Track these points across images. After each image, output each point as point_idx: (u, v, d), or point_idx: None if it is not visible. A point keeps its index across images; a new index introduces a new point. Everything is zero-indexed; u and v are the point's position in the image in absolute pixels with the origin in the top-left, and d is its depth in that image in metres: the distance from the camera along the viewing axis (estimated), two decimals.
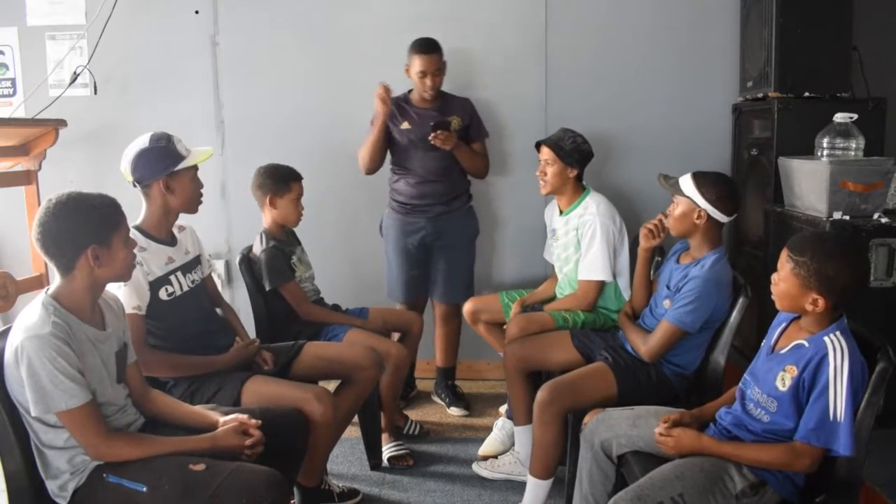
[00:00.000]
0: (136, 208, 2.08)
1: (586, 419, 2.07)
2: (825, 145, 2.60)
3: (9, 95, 3.52)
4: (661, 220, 2.34)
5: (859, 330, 1.64)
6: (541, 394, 2.20)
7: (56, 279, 1.67)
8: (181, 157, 2.11)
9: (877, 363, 1.58)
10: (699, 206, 2.14)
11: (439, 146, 2.89)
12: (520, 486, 2.39)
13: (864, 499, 2.14)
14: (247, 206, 2.91)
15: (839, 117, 2.56)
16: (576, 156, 2.68)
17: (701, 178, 2.16)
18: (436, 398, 3.34)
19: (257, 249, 2.67)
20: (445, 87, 3.08)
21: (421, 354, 3.27)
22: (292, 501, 2.25)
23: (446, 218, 3.09)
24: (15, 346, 1.56)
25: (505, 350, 2.59)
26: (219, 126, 3.50)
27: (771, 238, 2.86)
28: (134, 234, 2.07)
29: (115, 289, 1.89)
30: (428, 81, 2.95)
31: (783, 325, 1.74)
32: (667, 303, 2.21)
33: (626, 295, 2.63)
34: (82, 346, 1.62)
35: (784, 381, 1.62)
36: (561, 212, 2.78)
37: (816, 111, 2.74)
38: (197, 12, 3.42)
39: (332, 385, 2.43)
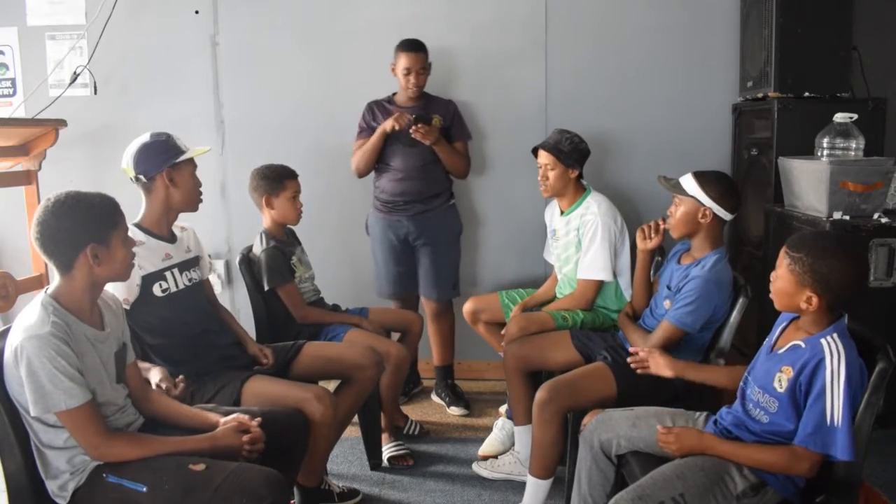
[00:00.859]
0: (135, 208, 2.09)
1: (586, 419, 2.07)
2: (825, 145, 2.60)
3: (9, 95, 3.52)
4: (656, 223, 2.34)
5: (859, 330, 1.64)
6: (540, 393, 2.20)
7: (55, 279, 1.67)
8: (181, 151, 2.14)
9: (876, 363, 1.58)
10: (704, 205, 2.14)
11: (420, 140, 2.96)
12: (520, 486, 2.39)
13: (863, 499, 2.14)
14: (247, 206, 2.91)
15: (839, 117, 2.56)
16: (575, 156, 2.68)
17: (703, 177, 2.16)
18: (435, 398, 3.34)
19: (257, 249, 2.67)
20: (446, 87, 3.09)
21: (420, 354, 3.27)
22: (292, 501, 2.25)
23: (427, 216, 3.14)
24: (14, 346, 1.56)
25: (505, 350, 2.59)
26: (219, 126, 3.50)
27: (771, 238, 2.87)
28: (133, 230, 2.08)
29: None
30: (412, 79, 3.03)
31: (783, 324, 1.74)
32: (667, 303, 2.21)
33: (628, 295, 2.63)
34: (82, 345, 1.62)
35: (781, 382, 1.61)
36: (562, 212, 2.78)
37: (816, 111, 2.75)
38: (197, 12, 3.42)
39: (332, 385, 2.43)
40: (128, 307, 2.03)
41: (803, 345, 1.61)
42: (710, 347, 2.24)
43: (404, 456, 2.77)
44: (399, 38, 3.09)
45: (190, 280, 2.22)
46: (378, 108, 3.16)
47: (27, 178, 3.16)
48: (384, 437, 2.79)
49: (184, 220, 2.28)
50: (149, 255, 2.10)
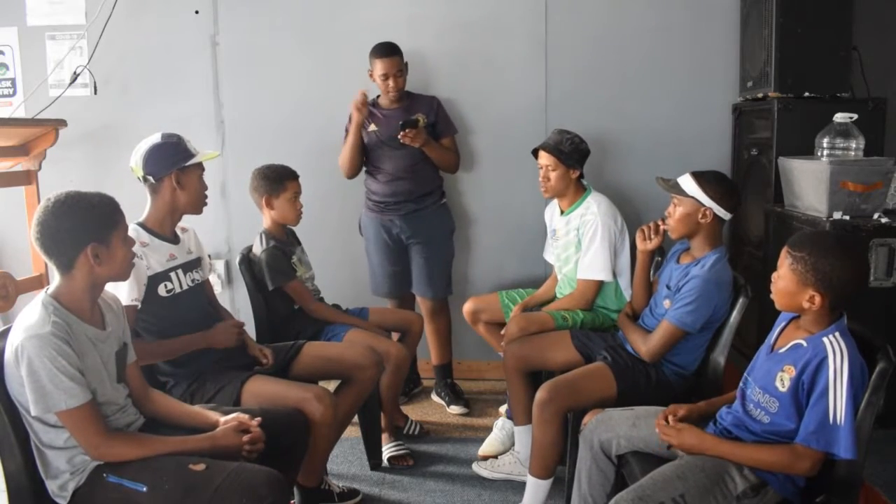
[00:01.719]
0: (135, 207, 2.08)
1: (586, 419, 2.07)
2: (825, 145, 2.60)
3: (9, 95, 3.52)
4: (655, 224, 2.34)
5: (859, 330, 1.64)
6: (540, 393, 2.20)
7: (56, 279, 1.67)
8: (191, 155, 2.15)
9: (877, 363, 1.58)
10: (704, 205, 2.14)
11: (409, 144, 2.98)
12: (520, 486, 2.39)
13: (863, 499, 2.14)
14: (247, 206, 2.91)
15: (839, 117, 2.56)
16: (576, 156, 2.69)
17: (701, 177, 2.16)
18: (435, 397, 3.34)
19: (257, 250, 2.67)
20: (446, 88, 3.09)
21: (419, 354, 3.27)
22: (292, 501, 2.25)
23: (419, 215, 3.15)
24: (15, 346, 1.56)
25: (505, 350, 2.59)
26: (219, 126, 3.50)
27: (771, 238, 2.86)
28: (136, 229, 2.10)
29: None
30: (391, 83, 3.05)
31: (783, 324, 1.74)
32: (667, 303, 2.20)
33: (627, 295, 2.63)
34: (82, 345, 1.62)
35: (783, 381, 1.61)
36: (562, 212, 2.78)
37: (816, 111, 2.74)
38: (197, 12, 3.42)
39: (332, 385, 2.43)
40: (139, 305, 2.04)
41: (805, 344, 1.61)
42: (710, 347, 2.24)
43: (404, 456, 2.77)
44: (398, 38, 3.10)
45: (193, 281, 2.23)
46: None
47: (27, 178, 3.16)
48: (384, 437, 2.79)
49: (184, 221, 2.28)
50: (154, 255, 2.11)
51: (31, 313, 1.60)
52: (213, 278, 3.38)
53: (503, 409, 2.99)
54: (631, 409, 1.97)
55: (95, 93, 3.43)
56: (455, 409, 3.22)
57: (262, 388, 2.13)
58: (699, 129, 3.34)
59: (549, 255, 2.94)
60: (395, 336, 2.93)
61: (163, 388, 2.10)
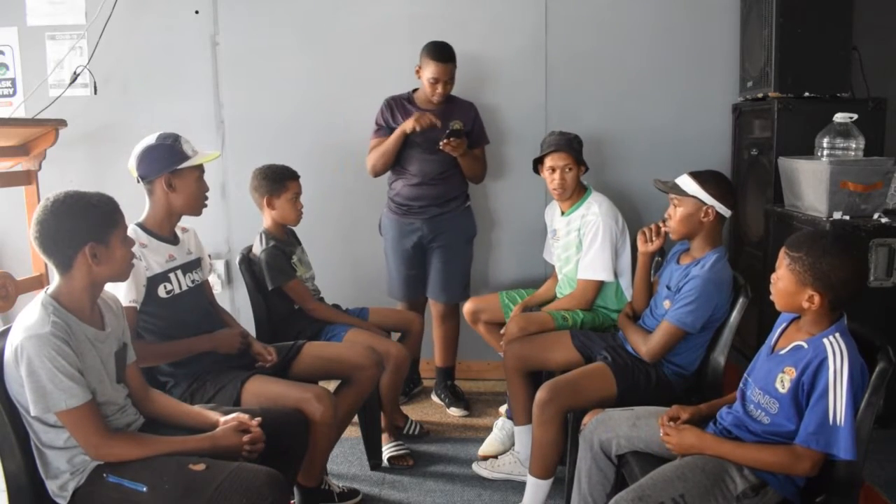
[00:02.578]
0: (135, 208, 2.08)
1: (586, 419, 2.07)
2: (825, 145, 2.60)
3: (9, 95, 3.52)
4: (657, 226, 2.34)
5: (859, 330, 1.64)
6: (540, 393, 2.20)
7: (55, 279, 1.67)
8: (185, 157, 2.12)
9: (877, 363, 1.58)
10: (705, 204, 2.14)
11: (449, 152, 2.90)
12: (520, 486, 2.39)
13: (863, 499, 2.14)
14: (247, 206, 2.91)
15: (839, 117, 2.56)
16: (582, 154, 2.69)
17: (700, 177, 2.16)
18: (435, 398, 3.34)
19: (257, 249, 2.67)
20: None
21: (422, 354, 3.27)
22: (292, 501, 2.25)
23: (442, 219, 3.10)
24: (15, 346, 1.56)
25: (505, 350, 2.59)
26: (219, 126, 3.50)
27: (771, 238, 2.86)
28: (136, 230, 2.09)
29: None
30: (439, 89, 2.94)
31: (783, 325, 1.74)
32: (667, 303, 2.20)
33: (628, 295, 2.63)
34: (82, 345, 1.62)
35: (783, 382, 1.61)
36: (562, 212, 2.78)
37: (816, 111, 2.75)
38: (197, 12, 3.42)
39: (332, 385, 2.43)
40: (138, 306, 2.04)
41: (805, 345, 1.61)
42: (711, 347, 2.24)
43: (404, 456, 2.77)
44: (398, 37, 3.09)
45: (193, 282, 2.22)
46: (397, 107, 3.06)
47: (27, 178, 3.16)
48: (384, 437, 2.79)
49: (184, 221, 2.27)
50: (153, 256, 2.11)
51: (30, 313, 1.60)
52: (212, 278, 3.38)
53: (503, 409, 2.99)
54: (631, 410, 1.97)
55: (95, 93, 3.43)
56: (455, 411, 3.22)
57: (262, 388, 2.13)
58: (699, 129, 3.34)
59: (549, 255, 2.94)
60: (395, 336, 2.93)
61: (163, 388, 2.10)
